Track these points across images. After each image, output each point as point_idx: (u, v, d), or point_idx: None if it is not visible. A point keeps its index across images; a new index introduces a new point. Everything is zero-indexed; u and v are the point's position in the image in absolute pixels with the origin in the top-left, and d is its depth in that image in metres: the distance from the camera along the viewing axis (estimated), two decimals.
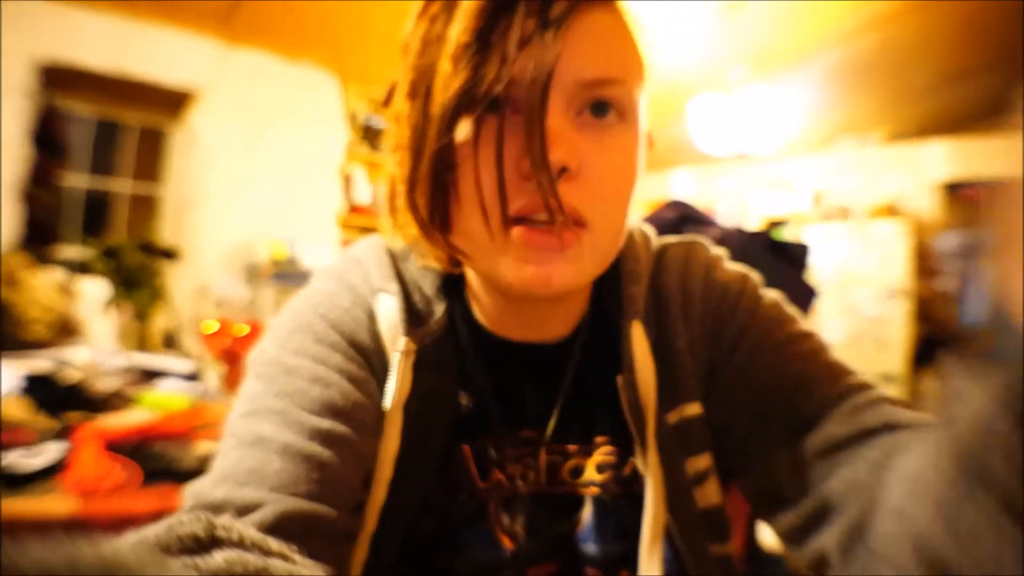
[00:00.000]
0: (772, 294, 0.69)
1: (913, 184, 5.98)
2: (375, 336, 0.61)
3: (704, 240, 0.73)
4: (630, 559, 0.62)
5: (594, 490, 0.65)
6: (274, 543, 0.41)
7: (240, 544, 0.39)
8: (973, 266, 7.01)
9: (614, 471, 0.65)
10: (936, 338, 5.83)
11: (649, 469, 0.62)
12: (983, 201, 6.25)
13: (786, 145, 6.25)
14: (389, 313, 0.61)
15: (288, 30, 4.06)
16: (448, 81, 0.50)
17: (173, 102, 4.11)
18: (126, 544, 0.36)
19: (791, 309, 0.67)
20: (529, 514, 0.63)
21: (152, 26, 3.82)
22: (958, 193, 6.04)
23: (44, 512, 1.20)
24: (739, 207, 6.92)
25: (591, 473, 0.65)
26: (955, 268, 7.06)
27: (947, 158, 5.84)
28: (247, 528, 0.42)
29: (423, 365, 0.59)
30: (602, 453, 0.65)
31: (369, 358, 0.60)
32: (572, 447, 0.65)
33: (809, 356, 0.60)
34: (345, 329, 0.60)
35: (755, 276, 0.70)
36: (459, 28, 0.50)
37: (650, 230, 0.71)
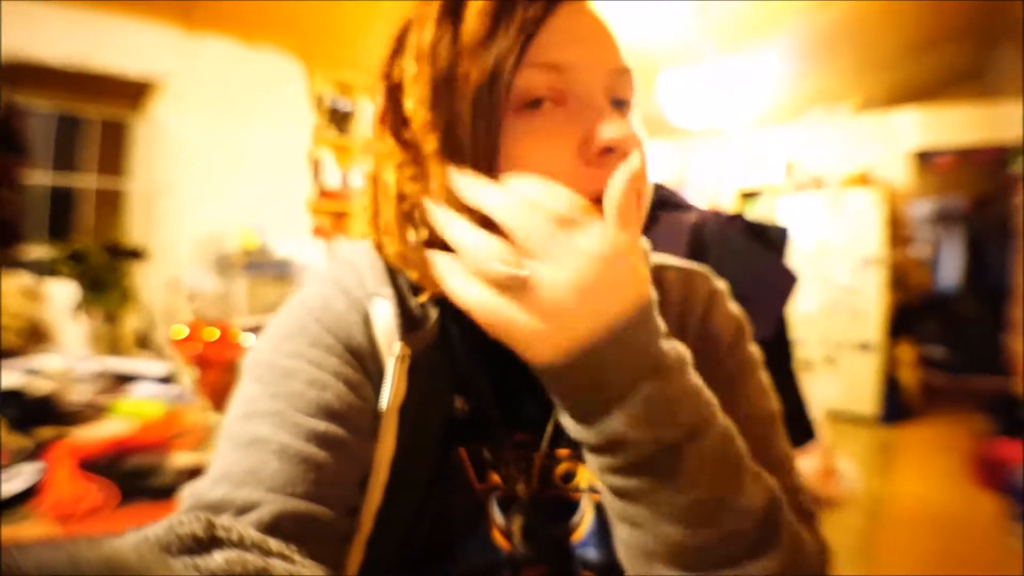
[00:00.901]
0: (758, 352, 0.70)
1: (885, 153, 6.03)
2: (371, 340, 0.61)
3: (706, 271, 0.74)
4: None
5: (595, 496, 0.64)
6: (274, 543, 0.42)
7: (240, 544, 0.40)
8: (946, 233, 7.13)
9: None
10: (911, 306, 5.91)
11: None
12: (955, 169, 6.35)
13: (758, 116, 6.27)
14: (384, 318, 0.61)
15: (250, 16, 3.99)
16: (471, 78, 0.52)
17: (135, 93, 4.00)
18: (126, 543, 0.35)
19: (765, 372, 0.69)
20: (524, 517, 0.64)
21: (111, 16, 3.72)
22: (930, 161, 6.10)
23: (20, 539, 1.17)
24: (712, 179, 6.96)
25: (587, 478, 0.65)
26: (928, 235, 7.17)
27: (918, 126, 5.90)
28: (247, 528, 0.42)
29: (417, 369, 0.59)
30: None
31: (364, 362, 0.60)
32: (565, 451, 0.66)
33: (762, 440, 0.60)
34: (341, 333, 0.60)
35: (748, 325, 0.71)
36: (472, 26, 0.52)
37: (646, 244, 0.70)
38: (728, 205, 6.69)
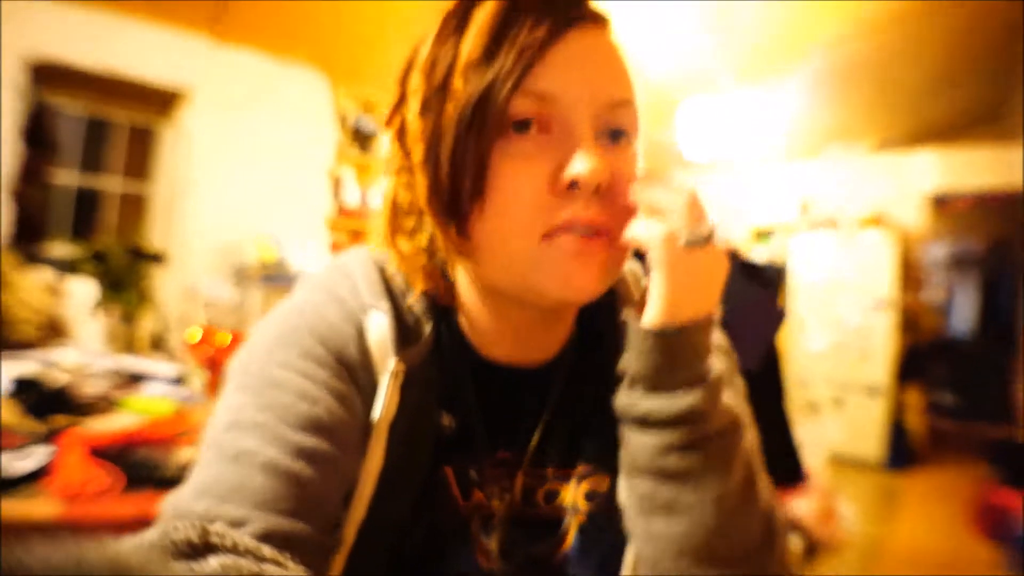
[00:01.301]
0: (741, 382, 0.72)
1: (900, 194, 6.02)
2: (364, 352, 0.59)
3: None
4: None
5: (581, 518, 0.65)
6: (267, 550, 0.42)
7: (234, 550, 0.40)
8: (960, 277, 7.07)
9: (604, 500, 0.65)
10: (921, 350, 5.87)
11: None
12: (971, 212, 6.31)
13: (774, 152, 6.28)
14: (380, 331, 0.60)
15: (278, 30, 4.07)
16: (461, 95, 0.53)
17: (163, 101, 4.11)
18: (127, 546, 0.37)
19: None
20: (505, 535, 0.64)
21: (143, 25, 3.83)
22: (946, 204, 6.08)
23: (29, 515, 1.22)
24: (727, 215, 6.96)
25: (571, 499, 0.66)
26: (943, 279, 7.12)
27: (935, 168, 5.89)
28: (240, 535, 0.42)
29: (410, 385, 0.59)
30: (591, 482, 0.66)
31: (356, 375, 0.58)
32: (550, 471, 0.66)
33: None
34: (333, 344, 0.58)
35: (733, 354, 0.74)
36: (471, 44, 0.54)
37: (637, 267, 0.72)
38: (742, 242, 6.69)
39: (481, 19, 0.54)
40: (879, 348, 5.64)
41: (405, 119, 0.59)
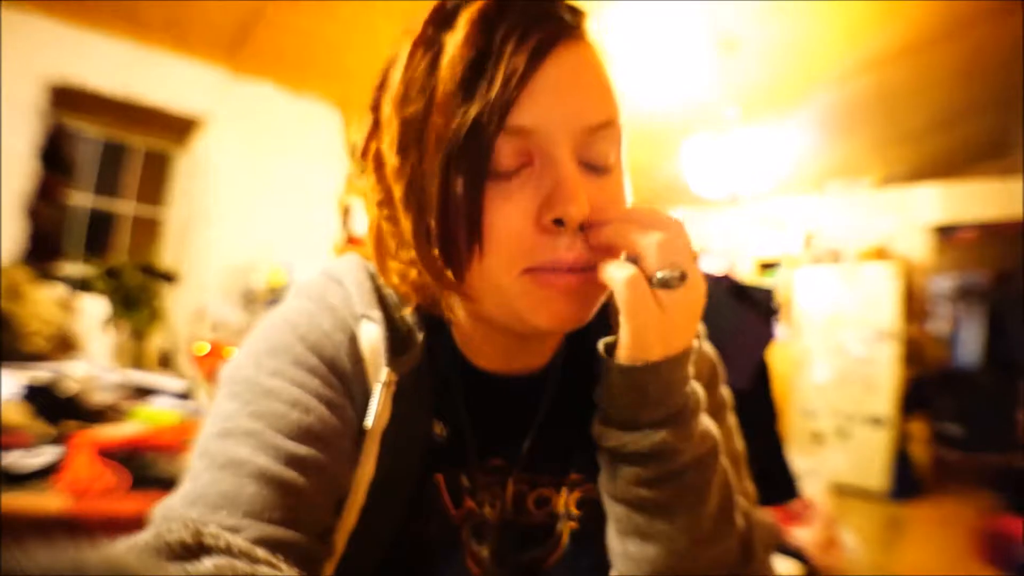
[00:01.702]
0: (728, 394, 0.74)
1: (904, 226, 6.06)
2: (356, 362, 0.59)
3: None
4: None
5: (572, 524, 0.66)
6: (261, 552, 0.42)
7: (228, 551, 0.40)
8: (966, 308, 7.05)
9: (596, 508, 0.65)
10: (926, 381, 5.85)
11: None
12: (977, 244, 6.32)
13: (778, 186, 6.33)
14: (372, 341, 0.59)
15: (293, 63, 4.16)
16: (442, 133, 0.51)
17: (179, 128, 4.20)
18: (122, 548, 0.37)
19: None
20: (496, 542, 0.64)
21: (161, 52, 3.93)
22: (951, 236, 6.11)
23: (38, 508, 1.26)
24: (731, 248, 6.99)
25: (563, 505, 0.66)
26: (947, 312, 7.11)
27: (937, 201, 5.93)
28: (234, 537, 0.42)
29: (401, 394, 0.58)
30: (584, 490, 0.66)
31: (348, 383, 0.58)
32: (540, 478, 0.66)
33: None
34: (325, 353, 0.58)
35: (722, 367, 0.75)
36: (446, 75, 0.50)
37: None
38: (747, 274, 6.73)
39: (456, 46, 0.51)
40: (884, 379, 5.65)
41: (381, 152, 0.57)
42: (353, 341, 0.59)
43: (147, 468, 1.53)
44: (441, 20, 0.53)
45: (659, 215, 0.53)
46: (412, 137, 0.53)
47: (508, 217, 0.52)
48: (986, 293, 6.99)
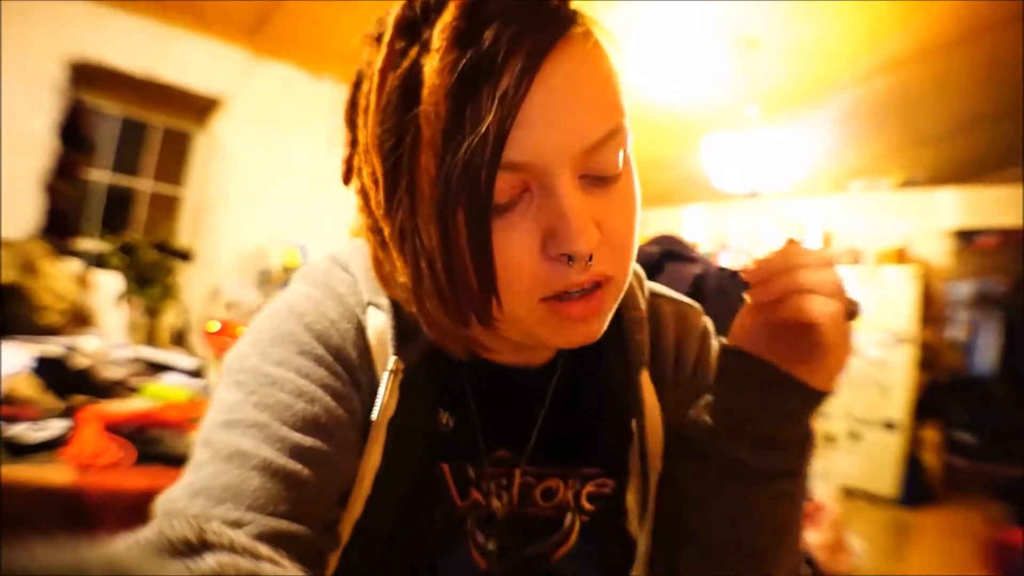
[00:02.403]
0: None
1: (924, 230, 6.00)
2: (362, 351, 0.58)
3: (695, 306, 0.77)
4: None
5: (584, 518, 0.65)
6: (263, 548, 0.41)
7: (231, 548, 0.39)
8: (984, 315, 6.96)
9: (607, 503, 0.66)
10: (940, 387, 5.79)
11: (648, 510, 0.65)
12: (997, 250, 6.22)
13: (798, 185, 6.29)
14: (379, 329, 0.59)
15: (313, 45, 4.17)
16: (434, 175, 0.46)
17: (199, 107, 4.22)
18: (123, 546, 0.37)
19: None
20: (502, 534, 0.63)
21: (182, 32, 3.94)
22: (971, 242, 6.03)
23: (44, 480, 1.27)
24: (750, 245, 6.95)
25: (570, 498, 0.65)
26: (964, 317, 7.01)
27: (957, 206, 5.86)
28: (237, 534, 0.41)
29: (408, 383, 0.58)
30: (595, 484, 0.66)
31: (354, 373, 0.57)
32: (547, 470, 0.65)
33: None
34: (331, 342, 0.57)
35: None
36: (429, 110, 0.45)
37: (639, 270, 0.70)
38: None
39: (434, 72, 0.45)
40: (898, 383, 5.60)
41: (364, 184, 0.54)
42: (360, 330, 0.59)
43: (153, 444, 1.53)
44: (410, 33, 0.48)
45: (805, 252, 0.54)
46: (398, 175, 0.49)
47: (516, 252, 0.49)
48: (1004, 301, 6.90)
